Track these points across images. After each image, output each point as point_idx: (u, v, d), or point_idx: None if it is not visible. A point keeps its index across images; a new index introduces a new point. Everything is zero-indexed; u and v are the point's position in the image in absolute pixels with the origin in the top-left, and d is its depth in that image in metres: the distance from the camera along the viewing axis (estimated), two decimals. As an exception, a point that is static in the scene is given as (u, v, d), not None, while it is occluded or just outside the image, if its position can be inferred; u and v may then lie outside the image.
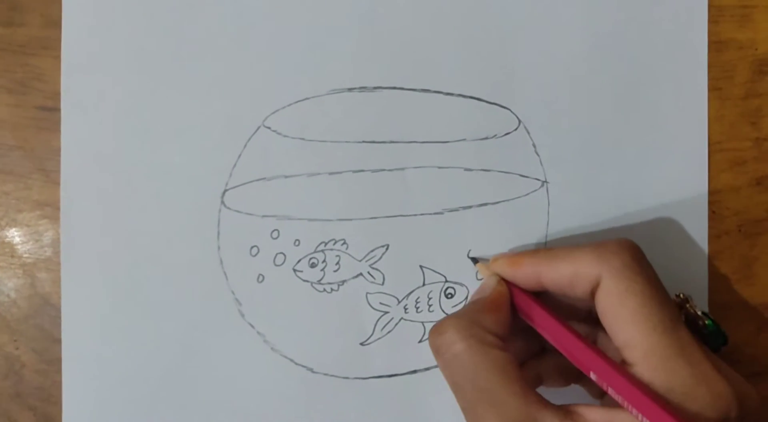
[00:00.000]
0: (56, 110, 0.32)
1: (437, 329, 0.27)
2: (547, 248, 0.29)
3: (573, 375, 0.30)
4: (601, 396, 0.30)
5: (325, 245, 0.33)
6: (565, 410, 0.25)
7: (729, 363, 0.27)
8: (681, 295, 0.30)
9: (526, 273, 0.29)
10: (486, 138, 0.33)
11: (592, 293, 0.27)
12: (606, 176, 0.33)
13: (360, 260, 0.33)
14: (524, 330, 0.30)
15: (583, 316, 0.30)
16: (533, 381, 0.30)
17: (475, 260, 0.32)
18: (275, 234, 0.32)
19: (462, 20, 0.33)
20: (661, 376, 0.25)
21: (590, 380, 0.27)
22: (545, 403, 0.25)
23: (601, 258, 0.27)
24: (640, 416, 0.24)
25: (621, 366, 0.26)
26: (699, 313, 0.29)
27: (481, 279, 0.32)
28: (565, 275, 0.27)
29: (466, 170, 0.33)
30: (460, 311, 0.29)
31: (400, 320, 0.33)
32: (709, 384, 0.25)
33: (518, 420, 0.25)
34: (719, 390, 0.25)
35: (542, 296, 0.29)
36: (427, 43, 0.33)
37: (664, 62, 0.33)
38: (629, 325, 0.26)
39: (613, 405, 0.25)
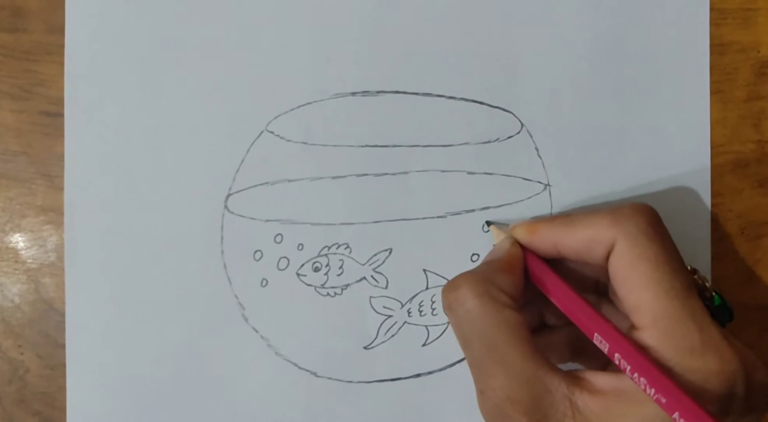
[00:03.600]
0: (60, 115, 0.32)
1: (451, 285, 0.27)
2: (564, 215, 0.29)
3: (572, 351, 0.30)
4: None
5: (328, 249, 0.33)
6: (572, 375, 0.25)
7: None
8: (689, 266, 0.30)
9: (543, 239, 0.28)
10: (489, 142, 0.33)
11: (607, 258, 0.27)
12: (608, 178, 0.33)
13: (363, 264, 0.33)
14: (528, 304, 0.30)
15: (590, 286, 0.30)
16: None
17: (489, 223, 0.32)
18: (279, 238, 0.32)
19: (464, 24, 0.33)
20: (669, 341, 0.24)
21: (589, 356, 0.27)
22: (553, 367, 0.25)
23: (616, 222, 0.26)
24: (642, 381, 0.24)
25: (626, 334, 0.25)
26: (707, 285, 0.29)
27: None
28: (581, 240, 0.27)
29: (469, 173, 0.33)
30: (475, 269, 0.28)
31: (403, 324, 0.33)
32: (718, 351, 0.24)
33: (526, 380, 0.25)
34: (728, 357, 0.24)
35: (553, 265, 0.29)
36: (429, 47, 0.33)
37: (666, 65, 0.33)
38: (640, 289, 0.25)
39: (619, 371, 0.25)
